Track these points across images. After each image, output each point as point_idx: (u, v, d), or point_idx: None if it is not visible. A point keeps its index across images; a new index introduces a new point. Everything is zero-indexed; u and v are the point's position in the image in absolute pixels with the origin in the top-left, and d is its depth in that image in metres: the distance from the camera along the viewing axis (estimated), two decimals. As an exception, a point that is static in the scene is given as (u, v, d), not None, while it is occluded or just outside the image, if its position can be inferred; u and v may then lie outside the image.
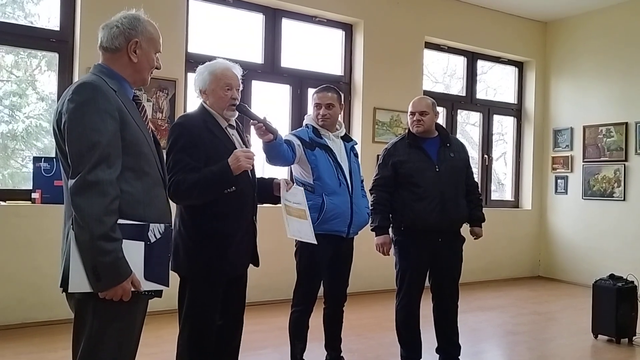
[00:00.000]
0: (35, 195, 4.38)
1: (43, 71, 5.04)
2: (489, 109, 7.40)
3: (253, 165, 2.56)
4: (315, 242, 2.88)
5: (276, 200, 2.82)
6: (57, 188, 4.31)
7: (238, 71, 2.66)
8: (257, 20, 5.66)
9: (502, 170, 8.01)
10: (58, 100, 4.53)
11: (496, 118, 7.53)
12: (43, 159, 4.44)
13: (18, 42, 4.61)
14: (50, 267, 4.19)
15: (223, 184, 2.45)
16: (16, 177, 4.91)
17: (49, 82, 4.96)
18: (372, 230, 3.44)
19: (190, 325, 2.53)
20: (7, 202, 4.34)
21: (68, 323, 1.88)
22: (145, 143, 1.92)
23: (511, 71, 7.68)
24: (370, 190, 3.51)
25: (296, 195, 2.83)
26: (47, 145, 4.95)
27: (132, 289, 1.78)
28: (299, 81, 5.85)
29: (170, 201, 2.08)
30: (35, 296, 4.30)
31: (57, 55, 4.68)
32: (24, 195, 4.48)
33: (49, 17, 4.78)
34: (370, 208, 3.44)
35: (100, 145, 1.74)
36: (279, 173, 5.26)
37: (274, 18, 5.69)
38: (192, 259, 2.50)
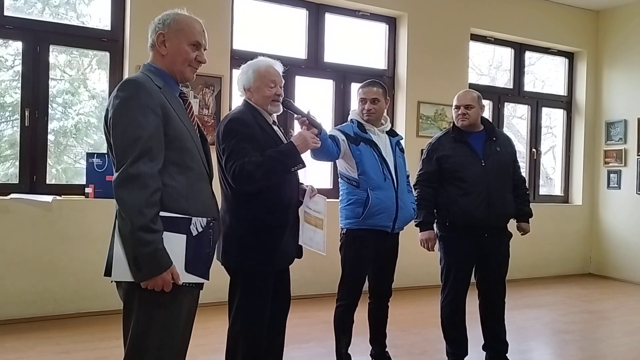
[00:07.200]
0: (88, 189, 4.53)
1: (94, 70, 5.20)
2: (537, 102, 7.20)
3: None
4: (324, 254, 2.80)
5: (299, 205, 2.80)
6: (109, 183, 4.38)
7: (279, 68, 2.71)
8: (300, 15, 5.68)
9: (550, 164, 7.77)
10: (109, 97, 4.73)
11: (544, 111, 7.32)
12: (96, 154, 4.59)
13: (71, 42, 4.77)
14: (103, 260, 4.32)
15: (291, 162, 2.49)
16: (69, 172, 5.09)
17: (99, 80, 5.12)
18: (416, 225, 3.41)
19: (243, 319, 2.56)
20: (62, 196, 4.51)
21: (120, 313, 1.94)
22: (189, 138, 1.95)
23: (561, 62, 7.44)
24: (414, 185, 3.48)
25: (318, 204, 2.79)
26: (97, 141, 5.11)
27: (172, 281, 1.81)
28: (342, 76, 5.85)
29: (215, 196, 2.10)
30: (88, 288, 4.45)
31: (107, 54, 4.83)
32: (78, 189, 4.65)
33: (99, 18, 4.93)
34: (415, 203, 3.41)
35: (141, 139, 1.78)
36: (319, 170, 5.31)
37: (317, 13, 5.70)
38: (246, 251, 2.52)
